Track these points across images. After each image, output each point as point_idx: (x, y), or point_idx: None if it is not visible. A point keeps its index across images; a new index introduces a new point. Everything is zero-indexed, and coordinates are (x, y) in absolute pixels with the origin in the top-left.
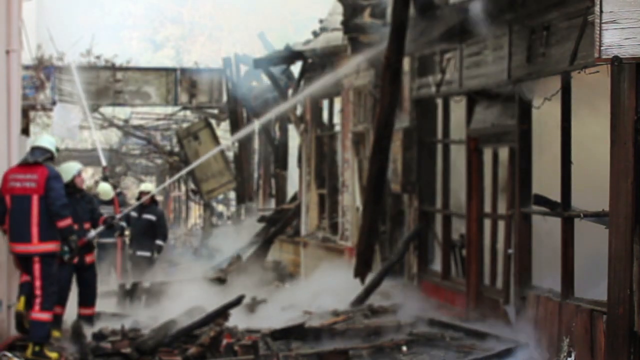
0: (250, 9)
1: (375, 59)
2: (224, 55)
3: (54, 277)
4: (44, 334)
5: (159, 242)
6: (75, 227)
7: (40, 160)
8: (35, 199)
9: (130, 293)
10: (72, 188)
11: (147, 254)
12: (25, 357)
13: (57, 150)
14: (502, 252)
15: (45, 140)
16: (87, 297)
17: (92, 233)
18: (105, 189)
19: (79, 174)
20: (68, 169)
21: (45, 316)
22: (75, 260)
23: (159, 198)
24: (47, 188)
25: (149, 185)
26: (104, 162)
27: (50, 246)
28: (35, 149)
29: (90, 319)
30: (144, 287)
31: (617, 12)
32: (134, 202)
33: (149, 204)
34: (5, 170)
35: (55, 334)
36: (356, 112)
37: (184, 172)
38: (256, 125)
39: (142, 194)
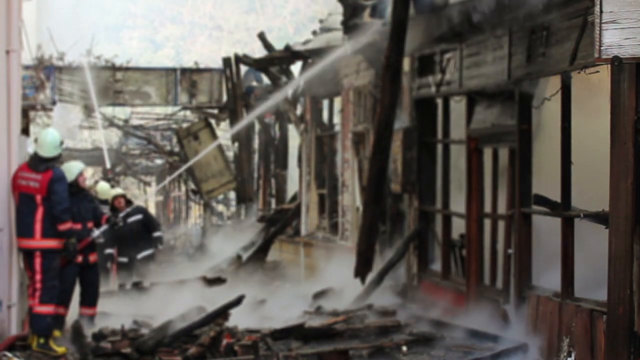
0: (250, 8)
1: (375, 59)
2: (224, 55)
3: (55, 271)
4: (45, 326)
5: (157, 233)
6: (79, 226)
7: (49, 167)
8: (38, 199)
9: (130, 293)
10: (75, 187)
11: (149, 252)
12: (30, 351)
13: (62, 143)
14: (502, 252)
15: (50, 147)
16: (90, 297)
17: (96, 232)
18: (103, 188)
19: (81, 173)
20: (71, 169)
21: (44, 309)
22: (80, 259)
23: (160, 198)
24: (49, 191)
25: (119, 190)
26: (108, 165)
27: (52, 243)
28: (43, 159)
29: (91, 319)
30: (144, 287)
31: (617, 12)
32: (136, 203)
33: (123, 207)
34: (6, 171)
35: (56, 333)
36: (356, 112)
37: (181, 170)
38: (253, 115)
39: (115, 199)
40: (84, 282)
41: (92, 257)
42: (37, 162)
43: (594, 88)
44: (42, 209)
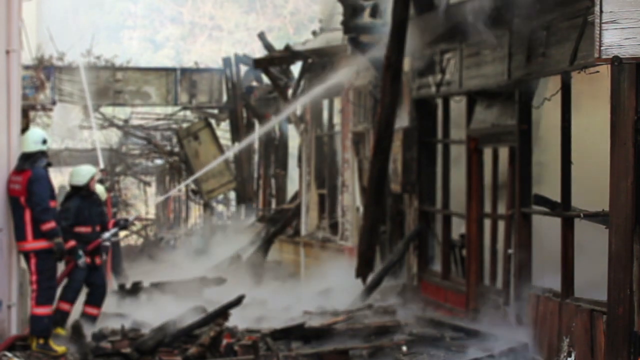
0: (250, 8)
1: (375, 59)
2: (224, 55)
3: (51, 272)
4: (42, 327)
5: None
6: (89, 229)
7: (27, 165)
8: (22, 200)
9: (130, 293)
10: (86, 191)
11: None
12: (30, 351)
13: (45, 141)
14: (502, 252)
15: (30, 142)
16: (96, 298)
17: (106, 234)
18: (99, 191)
19: (93, 177)
20: (83, 172)
21: (41, 310)
22: (88, 261)
23: (159, 198)
24: (28, 192)
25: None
26: (101, 165)
27: (44, 243)
28: (24, 155)
29: (93, 319)
30: (144, 287)
31: (617, 12)
32: (135, 203)
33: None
34: (6, 171)
35: (60, 331)
36: (356, 112)
37: (189, 180)
38: (256, 134)
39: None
40: (90, 284)
41: (98, 260)
42: (20, 162)
43: (594, 88)
44: (28, 210)
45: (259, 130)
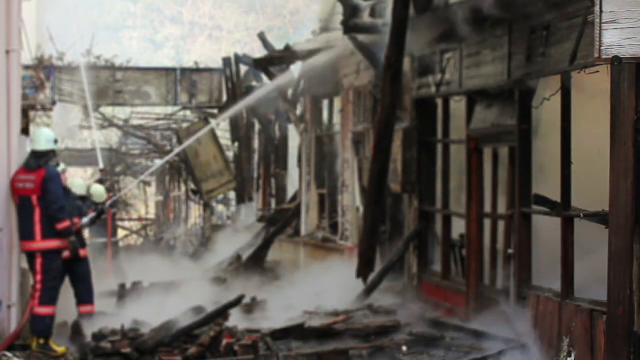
0: (250, 8)
1: (375, 59)
2: (224, 55)
3: (55, 272)
4: (44, 327)
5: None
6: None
7: (42, 164)
8: (34, 199)
9: (130, 293)
10: None
11: None
12: (30, 351)
13: (56, 141)
14: (502, 252)
15: (43, 140)
16: (85, 294)
17: (85, 220)
18: (99, 191)
19: (62, 172)
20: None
21: (43, 310)
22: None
23: (160, 198)
24: (43, 190)
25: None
26: (101, 165)
27: (53, 243)
28: (36, 153)
29: (90, 317)
30: (144, 287)
31: (617, 12)
32: (135, 203)
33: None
34: (6, 171)
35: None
36: (356, 112)
37: (181, 148)
38: (243, 104)
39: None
40: (75, 279)
41: (83, 252)
42: (31, 161)
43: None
44: (39, 209)
45: (245, 101)
